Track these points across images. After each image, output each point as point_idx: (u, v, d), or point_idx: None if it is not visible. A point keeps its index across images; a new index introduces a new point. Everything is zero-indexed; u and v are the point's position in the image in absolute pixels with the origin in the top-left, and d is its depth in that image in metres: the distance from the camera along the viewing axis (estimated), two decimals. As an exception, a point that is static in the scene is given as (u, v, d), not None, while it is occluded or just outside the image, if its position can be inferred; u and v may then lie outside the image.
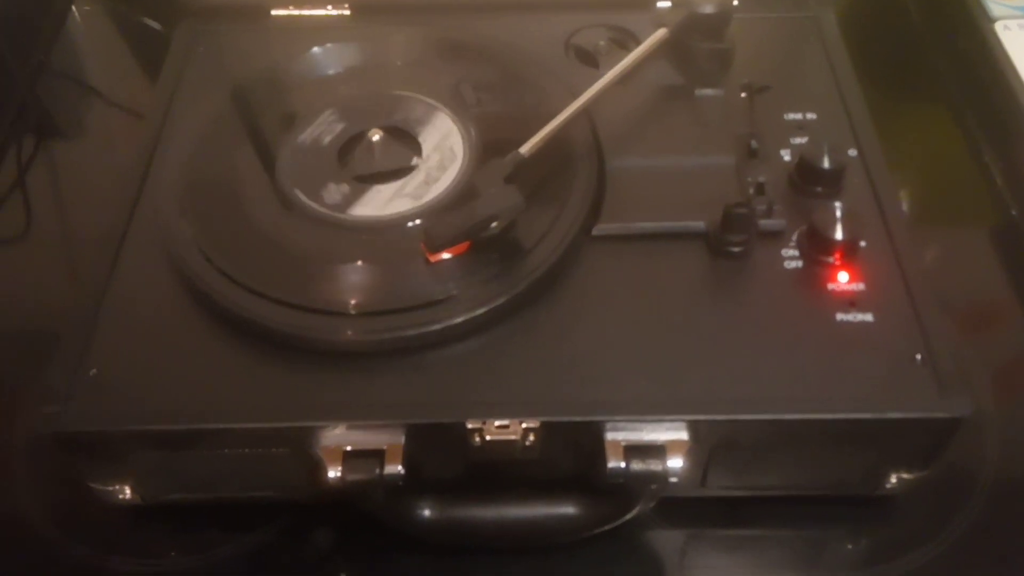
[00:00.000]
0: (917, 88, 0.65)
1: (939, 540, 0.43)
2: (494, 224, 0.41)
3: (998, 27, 0.61)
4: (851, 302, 0.42)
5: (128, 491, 0.42)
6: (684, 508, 0.44)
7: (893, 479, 0.42)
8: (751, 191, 0.45)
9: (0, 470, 0.46)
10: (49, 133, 0.65)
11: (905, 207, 0.58)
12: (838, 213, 0.43)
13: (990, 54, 0.60)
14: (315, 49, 0.54)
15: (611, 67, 0.48)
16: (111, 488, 0.42)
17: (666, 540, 0.44)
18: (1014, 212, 0.56)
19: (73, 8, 0.72)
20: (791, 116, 0.49)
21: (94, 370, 0.41)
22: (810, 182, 0.46)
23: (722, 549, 0.44)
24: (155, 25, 0.68)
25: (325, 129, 0.49)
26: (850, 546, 0.44)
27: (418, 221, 0.44)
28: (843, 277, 0.43)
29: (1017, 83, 0.58)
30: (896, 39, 0.68)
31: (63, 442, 0.40)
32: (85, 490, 0.43)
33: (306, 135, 0.49)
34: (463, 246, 0.42)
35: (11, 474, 0.46)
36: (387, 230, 0.45)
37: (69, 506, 0.45)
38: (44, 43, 0.69)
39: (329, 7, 0.57)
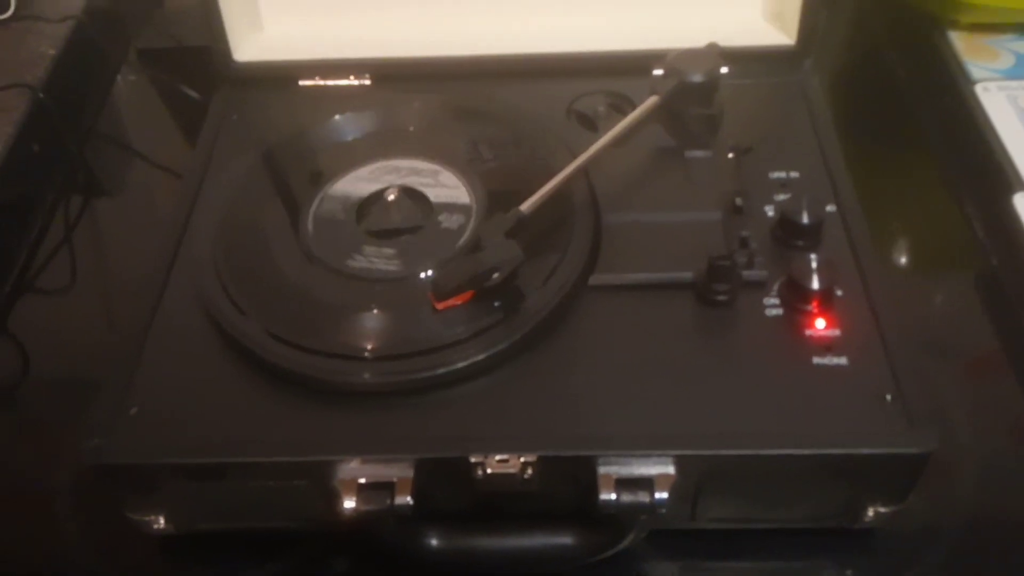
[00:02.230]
0: (903, 145, 0.68)
1: (919, 570, 0.45)
2: (495, 275, 0.44)
3: (978, 89, 0.64)
4: (827, 347, 0.45)
5: (162, 521, 0.45)
6: (679, 540, 0.46)
7: (871, 512, 0.44)
8: (735, 245, 0.48)
9: (45, 504, 0.49)
10: (95, 192, 0.69)
11: (891, 257, 0.61)
12: (814, 264, 0.45)
13: (971, 114, 0.63)
14: (337, 116, 0.58)
15: (608, 131, 0.52)
16: (147, 518, 0.45)
17: (660, 571, 0.46)
18: (994, 261, 0.58)
19: (119, 78, 0.77)
20: (775, 175, 0.52)
21: (134, 409, 0.44)
22: (791, 236, 0.49)
23: (715, 580, 0.47)
24: (193, 94, 0.72)
25: (346, 189, 0.53)
26: (836, 578, 0.46)
27: (428, 272, 0.48)
28: (820, 324, 0.45)
29: (996, 140, 0.60)
30: (884, 99, 0.71)
31: (105, 474, 0.43)
32: (123, 521, 0.45)
33: (329, 195, 0.53)
34: (467, 295, 0.45)
35: (56, 507, 0.49)
36: (400, 281, 0.48)
37: (108, 536, 0.47)
38: (92, 110, 0.73)
39: (351, 77, 0.61)
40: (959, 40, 0.68)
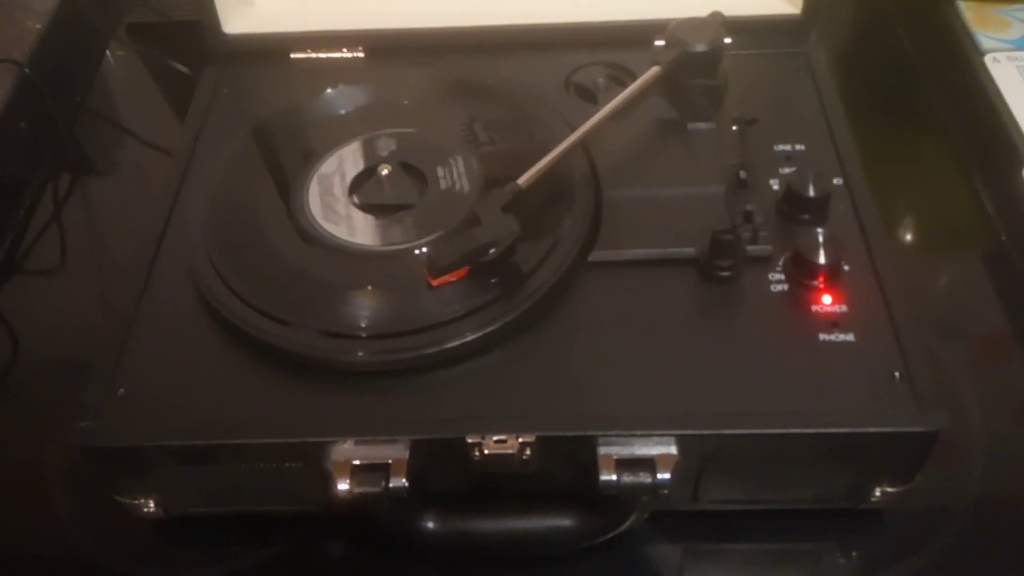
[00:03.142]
0: (911, 117, 0.67)
1: (927, 552, 0.44)
2: (492, 250, 0.43)
3: (987, 59, 0.63)
4: (834, 323, 0.44)
5: (152, 504, 0.45)
6: (680, 522, 0.46)
7: (877, 492, 0.43)
8: (739, 219, 0.47)
9: (37, 487, 0.48)
10: (84, 170, 0.68)
11: (898, 233, 0.60)
12: (820, 238, 0.44)
13: (980, 85, 0.62)
14: (330, 90, 0.56)
15: (608, 103, 0.51)
16: (137, 501, 0.44)
17: (663, 554, 0.46)
18: (1004, 237, 0.57)
19: (108, 54, 0.76)
20: (780, 147, 0.51)
21: (122, 389, 0.43)
22: (797, 210, 0.48)
23: (717, 563, 0.46)
24: (183, 69, 0.71)
25: (339, 164, 0.52)
26: (842, 560, 0.45)
27: (424, 249, 0.47)
28: (827, 299, 0.44)
29: (1006, 112, 0.59)
30: (892, 71, 0.70)
31: (93, 456, 0.42)
32: (113, 504, 0.45)
33: (322, 170, 0.52)
34: (464, 271, 0.44)
35: (47, 490, 0.48)
36: (395, 258, 0.47)
37: (98, 520, 0.47)
38: (80, 86, 0.72)
39: (344, 50, 0.60)
40: (968, 10, 0.67)
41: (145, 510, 0.45)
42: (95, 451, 0.42)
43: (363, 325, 0.44)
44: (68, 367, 0.54)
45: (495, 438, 0.40)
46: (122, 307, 0.46)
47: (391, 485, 0.40)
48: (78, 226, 0.64)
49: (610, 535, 0.43)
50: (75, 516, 0.47)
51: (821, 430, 0.40)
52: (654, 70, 0.52)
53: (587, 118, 0.50)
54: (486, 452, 0.41)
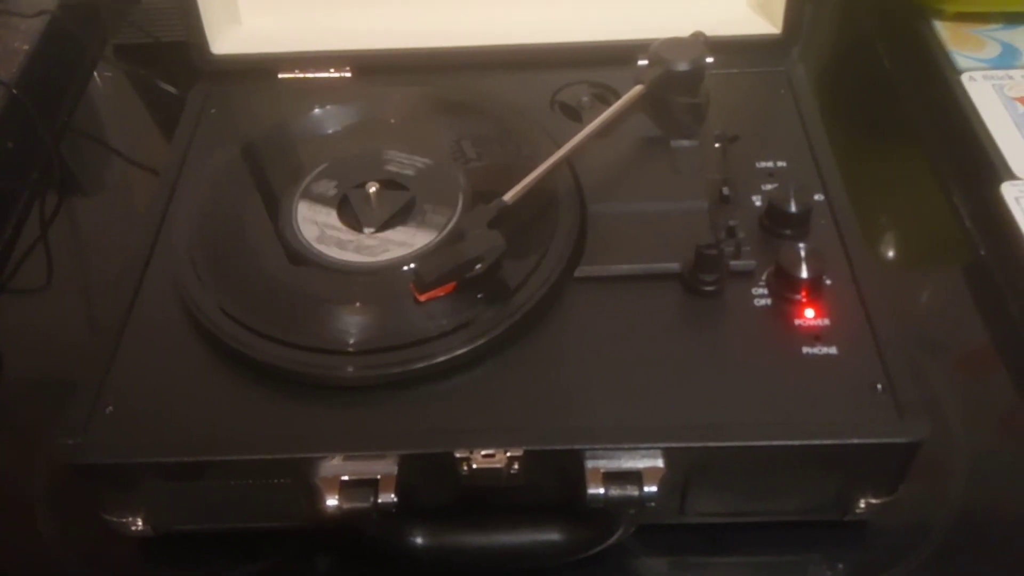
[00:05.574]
0: (890, 134, 0.68)
1: (911, 562, 0.45)
2: (479, 265, 0.44)
3: (964, 78, 0.64)
4: (816, 336, 0.44)
5: (140, 522, 0.44)
6: (667, 536, 0.46)
7: (862, 504, 0.44)
8: (722, 234, 0.48)
9: (22, 506, 0.48)
10: (71, 190, 0.68)
11: (878, 247, 0.60)
12: (802, 253, 0.45)
13: (957, 103, 0.63)
14: (318, 110, 0.57)
15: (593, 121, 0.51)
16: (124, 519, 0.44)
17: (651, 567, 0.46)
18: (982, 252, 0.58)
19: (95, 73, 0.76)
20: (762, 164, 0.52)
21: (110, 407, 0.43)
22: (779, 225, 0.48)
23: (704, 575, 0.46)
24: (170, 88, 0.71)
25: (327, 182, 0.52)
26: (827, 571, 0.45)
27: (411, 265, 0.47)
28: (809, 313, 0.45)
29: (983, 130, 0.60)
30: (870, 89, 0.71)
31: (81, 473, 0.42)
32: (100, 523, 0.44)
33: (309, 188, 0.52)
34: (450, 286, 0.44)
35: (33, 509, 0.48)
36: (382, 274, 0.47)
37: (85, 539, 0.47)
38: (68, 106, 0.72)
39: (332, 70, 0.60)
40: (945, 30, 0.68)
41: (133, 528, 0.44)
42: (84, 468, 0.42)
43: (351, 340, 0.44)
44: (55, 385, 0.53)
45: (483, 452, 0.41)
46: (109, 324, 0.46)
47: (380, 500, 0.40)
48: (65, 245, 0.63)
49: (598, 548, 0.43)
50: (62, 535, 0.47)
51: (805, 441, 0.41)
52: (637, 88, 0.52)
53: (572, 135, 0.50)
54: (474, 466, 0.41)
